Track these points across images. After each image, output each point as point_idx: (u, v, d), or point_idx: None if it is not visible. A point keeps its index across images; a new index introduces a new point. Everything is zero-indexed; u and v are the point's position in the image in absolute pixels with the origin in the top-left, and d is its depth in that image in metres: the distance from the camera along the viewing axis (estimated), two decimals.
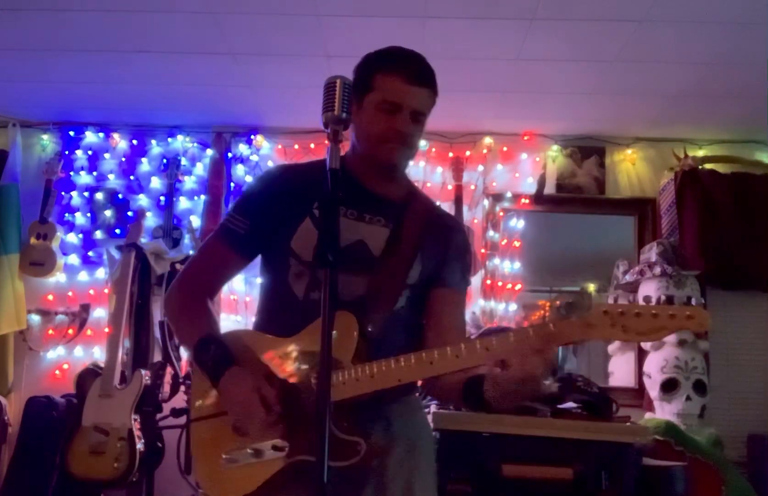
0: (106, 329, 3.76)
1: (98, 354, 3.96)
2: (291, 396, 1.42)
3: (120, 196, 4.26)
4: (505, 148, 4.21)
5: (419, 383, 1.61)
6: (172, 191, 4.16)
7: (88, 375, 3.40)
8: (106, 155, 4.32)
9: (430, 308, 1.58)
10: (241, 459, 1.42)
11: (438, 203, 1.80)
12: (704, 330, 1.26)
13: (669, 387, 3.61)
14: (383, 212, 1.56)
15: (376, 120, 1.51)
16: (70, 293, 4.17)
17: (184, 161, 4.25)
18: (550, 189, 4.19)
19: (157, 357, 3.66)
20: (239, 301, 3.99)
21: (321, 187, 1.38)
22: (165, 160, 4.22)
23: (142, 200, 4.24)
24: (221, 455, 1.43)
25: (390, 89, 1.49)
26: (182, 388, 3.49)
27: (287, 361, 1.45)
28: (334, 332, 1.30)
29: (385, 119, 1.49)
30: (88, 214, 4.26)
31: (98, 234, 4.22)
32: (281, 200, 1.55)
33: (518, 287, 4.05)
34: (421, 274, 1.54)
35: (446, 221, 1.69)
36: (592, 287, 4.13)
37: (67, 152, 4.28)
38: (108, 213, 4.24)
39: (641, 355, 3.94)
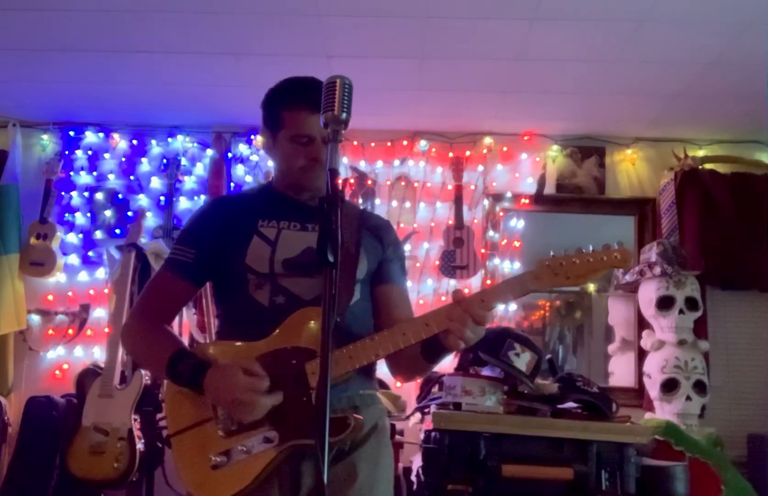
0: (106, 329, 3.76)
1: (98, 354, 3.97)
2: (273, 390, 1.48)
3: (120, 196, 4.26)
4: (505, 148, 4.21)
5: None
6: (172, 191, 4.17)
7: (88, 375, 3.39)
8: (106, 155, 4.32)
9: (379, 305, 1.71)
10: (231, 458, 1.45)
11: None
12: (628, 267, 1.50)
13: (669, 387, 3.61)
14: None
15: (293, 153, 1.62)
16: (70, 293, 4.18)
17: (184, 161, 4.26)
18: (550, 189, 4.19)
19: None
20: None
21: (260, 206, 1.67)
22: (165, 160, 4.22)
23: (142, 200, 4.24)
24: (209, 459, 1.46)
25: (298, 124, 1.60)
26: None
27: (264, 360, 1.50)
28: (313, 323, 1.49)
29: (301, 151, 1.60)
30: (88, 214, 4.26)
31: (98, 234, 4.22)
32: (224, 227, 1.65)
33: None
34: (367, 269, 1.67)
35: (377, 222, 1.80)
36: (592, 287, 4.13)
37: (67, 152, 4.29)
38: (108, 213, 4.24)
39: (641, 355, 3.95)
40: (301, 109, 1.58)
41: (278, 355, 1.50)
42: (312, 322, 1.50)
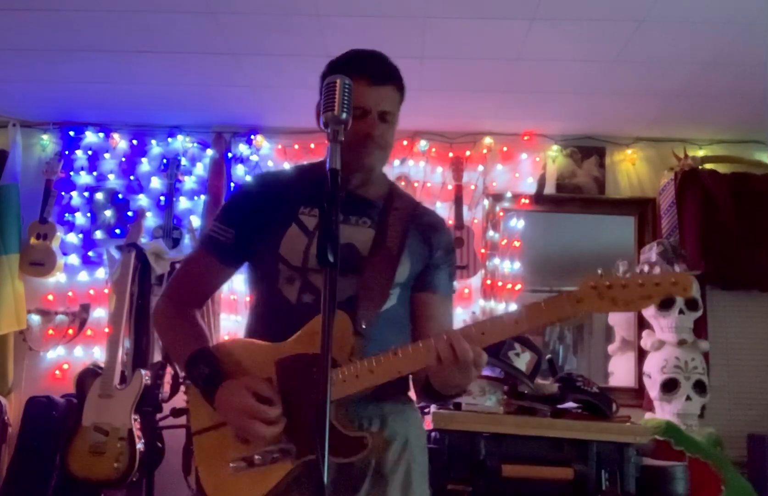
0: (106, 329, 3.76)
1: (98, 354, 3.97)
2: (292, 399, 1.41)
3: (120, 196, 4.26)
4: (505, 148, 4.21)
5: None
6: (172, 191, 4.16)
7: (88, 375, 3.40)
8: (106, 155, 4.32)
9: (418, 314, 1.59)
10: (249, 464, 1.41)
11: (420, 201, 1.78)
12: (689, 294, 1.30)
13: (669, 387, 3.61)
14: (367, 213, 1.57)
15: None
16: (70, 293, 4.17)
17: (184, 161, 4.25)
18: (550, 189, 4.19)
19: (157, 357, 3.67)
20: (239, 301, 4.00)
21: (305, 190, 1.53)
22: (165, 160, 4.22)
23: (142, 200, 4.24)
24: (227, 463, 1.42)
25: (354, 95, 1.42)
26: (182, 388, 3.49)
27: (284, 365, 1.44)
28: (338, 329, 1.33)
29: (354, 125, 1.41)
30: (88, 214, 4.26)
31: (98, 234, 4.22)
32: (265, 209, 1.56)
33: (518, 287, 4.05)
34: (410, 273, 1.56)
35: (430, 220, 1.67)
36: None
37: (67, 152, 4.28)
38: (108, 213, 4.24)
39: (641, 355, 3.95)
40: (358, 80, 1.44)
41: (298, 361, 1.42)
42: (337, 327, 1.32)
